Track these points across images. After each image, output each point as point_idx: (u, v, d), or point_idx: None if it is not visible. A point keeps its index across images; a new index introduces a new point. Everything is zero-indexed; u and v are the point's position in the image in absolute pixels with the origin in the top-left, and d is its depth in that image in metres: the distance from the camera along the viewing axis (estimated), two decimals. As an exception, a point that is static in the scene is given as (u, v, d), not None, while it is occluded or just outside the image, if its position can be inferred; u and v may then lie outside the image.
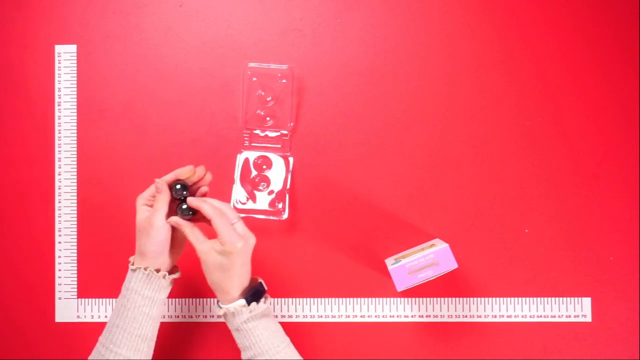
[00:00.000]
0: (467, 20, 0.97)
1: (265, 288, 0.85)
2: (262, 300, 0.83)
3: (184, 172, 0.82)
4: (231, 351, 0.89)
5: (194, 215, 0.82)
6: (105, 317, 0.96)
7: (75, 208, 0.97)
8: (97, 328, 0.96)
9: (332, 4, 0.97)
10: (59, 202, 0.97)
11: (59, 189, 0.97)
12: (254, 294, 0.82)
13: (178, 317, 0.97)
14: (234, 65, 0.97)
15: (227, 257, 0.79)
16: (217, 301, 0.83)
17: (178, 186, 0.82)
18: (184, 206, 0.81)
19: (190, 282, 0.96)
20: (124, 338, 0.80)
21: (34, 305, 0.97)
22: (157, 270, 0.82)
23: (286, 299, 0.96)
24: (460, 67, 0.96)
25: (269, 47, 0.97)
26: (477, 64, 0.96)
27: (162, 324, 0.91)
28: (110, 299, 0.96)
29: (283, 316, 0.96)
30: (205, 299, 0.97)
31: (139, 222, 0.82)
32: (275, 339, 0.82)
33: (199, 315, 0.97)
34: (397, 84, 0.97)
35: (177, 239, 0.84)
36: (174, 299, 0.97)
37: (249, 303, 0.81)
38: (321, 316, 0.96)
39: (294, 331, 0.95)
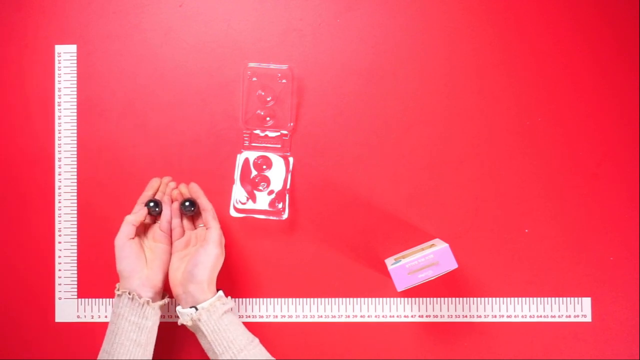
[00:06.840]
0: (467, 20, 0.97)
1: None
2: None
3: (154, 186, 0.91)
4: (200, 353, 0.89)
5: (195, 212, 0.90)
6: (106, 317, 0.96)
7: (75, 208, 0.97)
8: (97, 328, 0.96)
9: (332, 4, 0.97)
10: (59, 202, 0.97)
11: (59, 189, 0.97)
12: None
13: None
14: (234, 65, 0.97)
15: (221, 248, 0.87)
16: (195, 308, 0.84)
17: (187, 203, 0.89)
18: (187, 203, 0.89)
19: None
20: None
21: (34, 305, 0.96)
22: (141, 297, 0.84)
23: (286, 299, 0.96)
24: (460, 67, 0.96)
25: (269, 47, 0.97)
26: (477, 64, 0.96)
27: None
28: (111, 299, 0.96)
29: (283, 316, 0.96)
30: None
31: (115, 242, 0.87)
32: (247, 334, 0.86)
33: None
34: (397, 84, 0.97)
35: (157, 254, 0.87)
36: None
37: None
38: (321, 316, 0.96)
39: (294, 331, 0.96)
